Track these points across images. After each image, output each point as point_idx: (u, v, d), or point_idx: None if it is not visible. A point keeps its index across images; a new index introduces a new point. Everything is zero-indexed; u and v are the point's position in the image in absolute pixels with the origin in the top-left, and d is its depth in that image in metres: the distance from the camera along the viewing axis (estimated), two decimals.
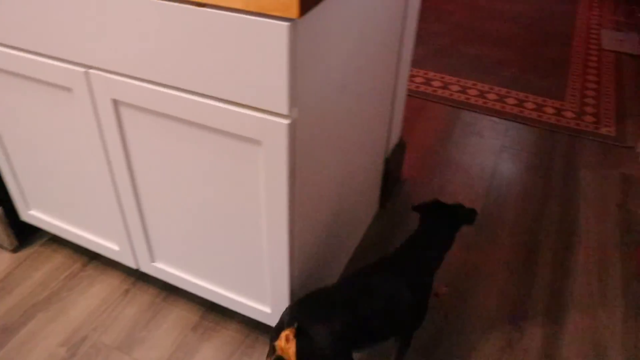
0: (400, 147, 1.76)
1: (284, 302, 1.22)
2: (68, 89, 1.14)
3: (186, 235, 1.26)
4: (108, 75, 1.06)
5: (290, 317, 1.03)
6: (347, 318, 1.04)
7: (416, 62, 2.66)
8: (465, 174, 1.97)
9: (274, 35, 0.83)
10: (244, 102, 0.94)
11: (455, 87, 2.46)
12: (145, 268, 1.42)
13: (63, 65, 1.10)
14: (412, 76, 2.54)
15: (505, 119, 2.27)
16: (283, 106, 0.90)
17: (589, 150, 2.12)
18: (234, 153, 1.03)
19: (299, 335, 1.00)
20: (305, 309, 1.06)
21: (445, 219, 1.26)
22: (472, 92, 2.44)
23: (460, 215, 1.28)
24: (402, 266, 1.18)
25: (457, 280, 1.56)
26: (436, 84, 2.49)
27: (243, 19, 0.84)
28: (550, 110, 2.33)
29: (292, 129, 0.93)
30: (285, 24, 0.81)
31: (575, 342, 1.41)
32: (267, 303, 1.26)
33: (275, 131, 0.93)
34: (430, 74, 2.56)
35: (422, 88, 2.44)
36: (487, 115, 2.29)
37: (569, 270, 1.61)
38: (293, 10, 0.78)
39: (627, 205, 1.85)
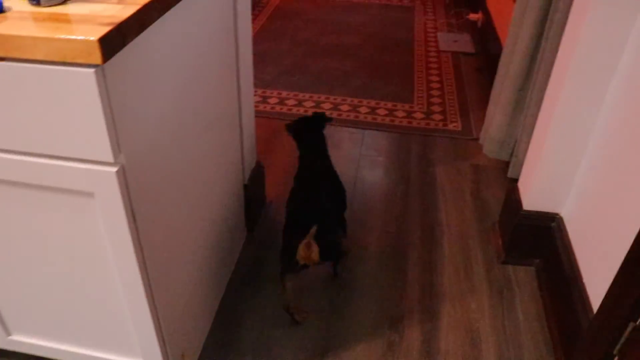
0: (259, 171, 1.75)
1: (155, 351, 1.16)
2: None
3: (41, 301, 1.16)
4: None
5: (303, 230, 1.30)
6: (328, 214, 1.46)
7: (268, 83, 2.68)
8: None
9: (83, 83, 0.78)
10: (67, 155, 0.89)
11: (309, 103, 2.51)
12: (1, 344, 1.29)
13: None
14: (266, 97, 2.55)
15: (360, 128, 2.34)
16: (107, 154, 0.85)
17: (441, 146, 2.24)
18: (69, 208, 0.96)
19: (316, 238, 1.30)
20: (303, 224, 1.33)
21: (312, 126, 1.63)
22: (326, 105, 2.49)
23: (320, 118, 1.65)
24: (317, 167, 1.59)
25: (334, 294, 1.58)
26: (290, 102, 2.52)
27: (48, 70, 0.79)
28: (402, 114, 2.44)
29: (122, 176, 0.89)
30: (91, 70, 0.77)
31: (451, 333, 1.47)
32: (138, 355, 1.20)
33: (105, 180, 0.89)
34: (284, 93, 2.59)
35: (277, 108, 2.46)
36: (343, 126, 2.35)
37: (437, 263, 1.68)
38: (96, 56, 0.75)
39: (480, 193, 1.97)
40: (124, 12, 0.83)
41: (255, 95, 2.56)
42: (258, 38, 3.21)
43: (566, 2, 1.41)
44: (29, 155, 0.91)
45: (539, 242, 1.61)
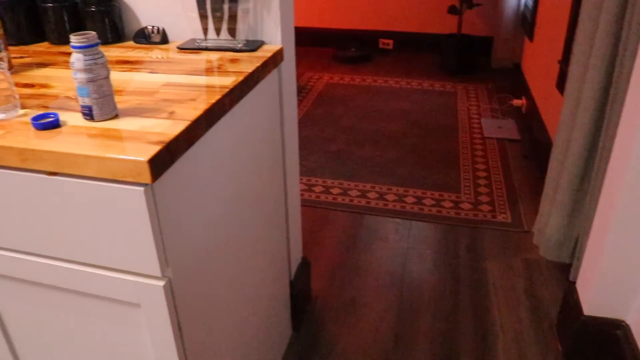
0: (305, 267, 1.71)
1: None
2: None
3: None
4: None
5: None
6: None
7: (313, 171, 2.68)
8: (375, 281, 1.93)
9: (132, 200, 0.78)
10: (114, 267, 0.88)
11: (354, 192, 2.49)
12: None
13: None
14: (311, 185, 2.54)
15: (407, 218, 2.29)
16: (155, 268, 0.84)
17: (490, 239, 2.16)
18: (115, 317, 0.95)
19: None
20: None
21: None
22: (372, 195, 2.46)
23: None
24: None
25: None
26: (335, 191, 2.50)
27: (98, 186, 0.79)
28: (448, 204, 2.39)
29: (169, 289, 0.87)
30: (141, 188, 0.76)
31: None
32: None
33: (152, 293, 0.87)
34: (329, 182, 2.58)
35: (323, 197, 2.44)
36: (389, 217, 2.31)
37: None
38: (145, 176, 0.74)
39: (534, 291, 1.87)
40: (174, 128, 0.83)
41: (300, 182, 2.55)
42: (302, 124, 3.25)
43: (622, 99, 1.36)
44: (80, 265, 0.91)
45: (604, 351, 1.49)
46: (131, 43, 1.39)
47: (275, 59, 1.28)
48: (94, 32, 0.85)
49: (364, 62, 4.50)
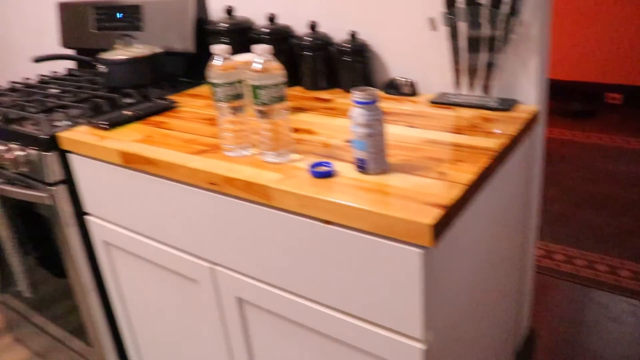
0: (531, 339, 1.57)
1: None
2: (194, 281, 1.16)
3: None
4: (234, 274, 1.06)
5: None
6: None
7: None
8: None
9: (406, 261, 0.77)
10: (374, 321, 0.88)
11: (580, 262, 2.27)
12: None
13: (190, 259, 1.13)
14: None
15: None
16: (417, 330, 0.82)
17: None
18: None
19: None
20: None
21: None
22: (601, 267, 2.22)
23: None
24: None
25: None
26: (558, 257, 2.31)
27: (370, 240, 0.80)
28: None
29: (429, 353, 0.83)
30: (418, 250, 0.75)
31: None
32: None
33: (410, 355, 0.85)
34: (551, 246, 2.39)
35: (544, 262, 2.27)
36: (623, 296, 2.05)
37: None
38: (425, 239, 0.73)
39: None
40: (449, 192, 0.81)
41: None
42: None
43: None
44: (340, 313, 0.93)
45: None
46: (381, 93, 1.42)
47: (531, 121, 1.21)
48: (375, 89, 0.88)
49: (587, 117, 4.17)
